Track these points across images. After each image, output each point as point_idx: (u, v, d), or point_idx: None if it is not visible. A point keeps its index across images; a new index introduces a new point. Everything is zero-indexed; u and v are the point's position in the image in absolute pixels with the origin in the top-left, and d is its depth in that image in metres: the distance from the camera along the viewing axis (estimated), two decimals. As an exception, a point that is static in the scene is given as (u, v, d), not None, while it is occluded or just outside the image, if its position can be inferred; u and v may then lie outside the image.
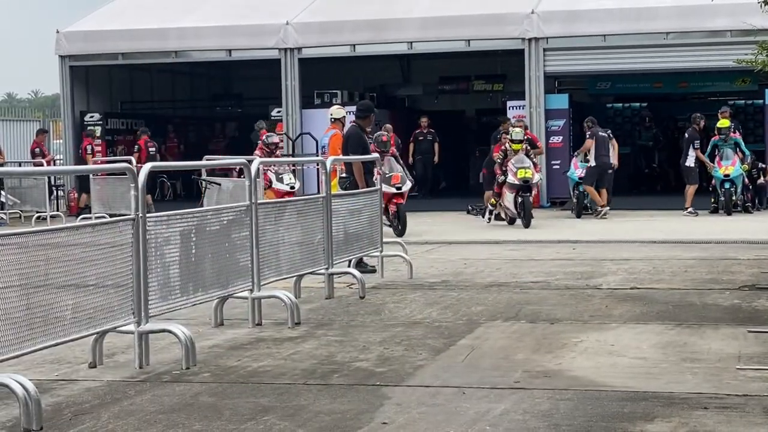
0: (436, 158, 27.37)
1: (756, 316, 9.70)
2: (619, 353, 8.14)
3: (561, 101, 25.33)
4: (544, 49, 24.74)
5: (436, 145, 27.30)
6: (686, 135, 22.30)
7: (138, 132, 27.09)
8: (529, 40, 24.69)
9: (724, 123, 21.64)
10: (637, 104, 31.60)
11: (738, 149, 21.56)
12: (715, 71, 25.38)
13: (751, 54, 15.59)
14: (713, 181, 21.78)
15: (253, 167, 9.73)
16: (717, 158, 21.44)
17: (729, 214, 20.90)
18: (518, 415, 6.37)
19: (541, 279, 12.44)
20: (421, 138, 27.40)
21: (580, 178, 21.58)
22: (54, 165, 27.49)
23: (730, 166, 21.26)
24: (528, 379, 7.32)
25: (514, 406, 6.55)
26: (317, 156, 20.45)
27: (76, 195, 26.07)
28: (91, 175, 21.09)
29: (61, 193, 27.70)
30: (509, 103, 25.88)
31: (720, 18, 23.42)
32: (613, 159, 22.15)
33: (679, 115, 29.29)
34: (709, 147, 21.69)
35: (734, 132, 21.91)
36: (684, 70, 25.70)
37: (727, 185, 21.24)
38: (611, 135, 22.70)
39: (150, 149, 26.30)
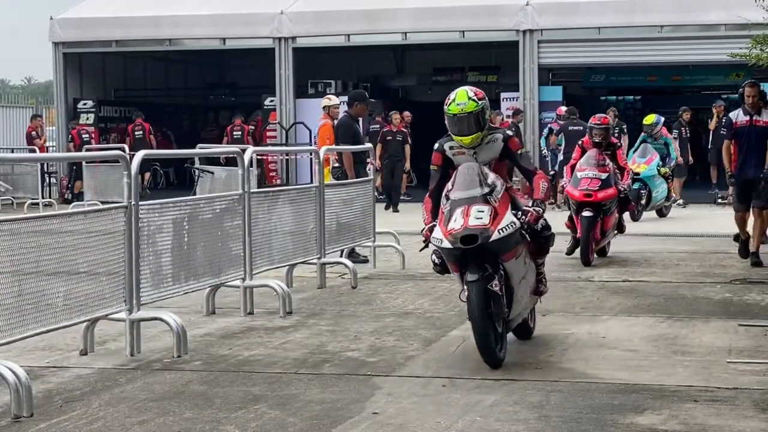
0: (407, 164, 23.07)
1: (747, 309, 9.72)
2: (610, 345, 8.15)
3: (555, 93, 25.32)
4: (539, 41, 24.73)
5: (407, 147, 23.09)
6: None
7: (133, 116, 27.37)
8: (524, 31, 24.68)
9: (649, 119, 19.51)
10: (631, 97, 31.63)
11: (666, 150, 19.22)
12: (709, 65, 25.40)
13: (745, 48, 15.62)
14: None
15: (246, 156, 9.73)
16: (634, 155, 19.05)
17: (634, 219, 17.89)
18: (509, 406, 6.38)
19: (533, 271, 12.43)
20: (389, 138, 22.98)
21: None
22: (47, 151, 27.48)
23: (643, 164, 18.72)
24: (519, 370, 7.32)
25: (505, 398, 6.56)
26: (311, 146, 20.43)
27: (67, 182, 26.07)
28: (84, 163, 21.09)
29: (53, 180, 27.67)
30: (503, 95, 25.89)
31: (714, 12, 23.45)
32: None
33: (669, 108, 29.32)
34: (638, 142, 19.47)
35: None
36: (678, 63, 25.72)
37: (636, 185, 17.93)
38: (625, 129, 22.72)
39: (137, 133, 26.44)
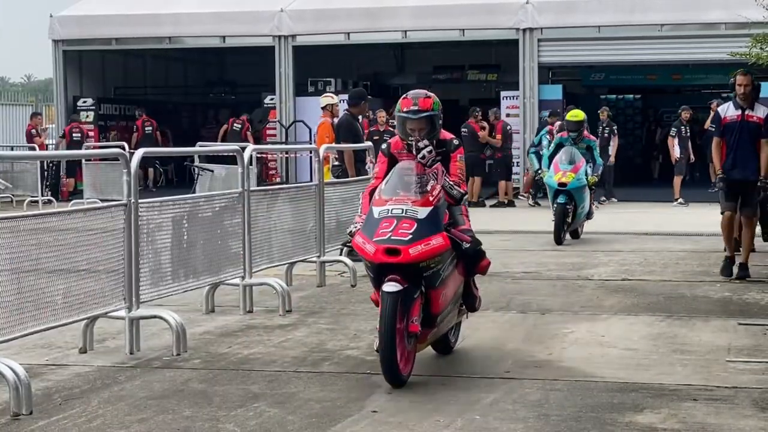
0: None
1: (746, 308, 9.72)
2: (609, 344, 8.15)
3: (555, 92, 25.32)
4: (539, 40, 24.73)
5: None
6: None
7: (137, 113, 27.53)
8: (524, 30, 24.67)
9: (577, 115, 15.72)
10: (631, 96, 31.63)
11: (590, 155, 15.59)
12: (709, 64, 25.39)
13: (745, 47, 15.61)
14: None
15: (246, 154, 9.73)
16: (556, 160, 15.46)
17: (559, 243, 14.77)
18: (508, 404, 6.38)
19: (533, 269, 12.44)
20: (376, 138, 20.40)
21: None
22: (46, 148, 27.48)
23: (570, 173, 15.08)
24: (518, 369, 7.32)
25: (504, 396, 6.56)
26: (311, 144, 20.41)
27: (66, 180, 26.05)
28: (83, 160, 21.12)
29: (53, 178, 27.65)
30: (503, 94, 25.90)
31: (714, 10, 23.44)
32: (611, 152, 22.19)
33: (668, 107, 29.34)
34: (553, 145, 16.12)
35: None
36: (678, 62, 25.73)
37: (561, 199, 14.95)
38: (615, 130, 22.70)
39: (146, 129, 26.68)
